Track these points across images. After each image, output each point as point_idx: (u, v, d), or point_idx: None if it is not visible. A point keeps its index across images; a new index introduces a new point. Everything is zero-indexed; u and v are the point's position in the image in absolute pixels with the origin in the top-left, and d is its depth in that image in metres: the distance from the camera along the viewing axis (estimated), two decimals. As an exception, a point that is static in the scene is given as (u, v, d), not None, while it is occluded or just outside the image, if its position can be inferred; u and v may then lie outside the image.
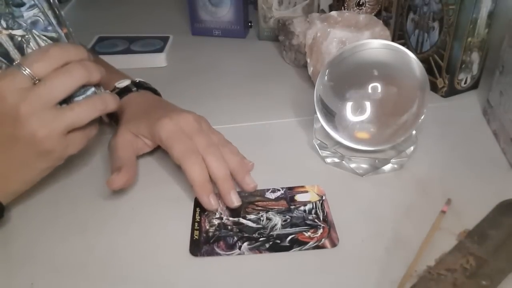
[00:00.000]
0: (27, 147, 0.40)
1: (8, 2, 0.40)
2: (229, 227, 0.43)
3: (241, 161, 0.47)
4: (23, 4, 0.40)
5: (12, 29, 0.41)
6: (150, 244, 0.41)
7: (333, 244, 0.40)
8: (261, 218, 0.43)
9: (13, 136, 0.39)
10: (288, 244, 0.41)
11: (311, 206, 0.44)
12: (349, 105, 0.48)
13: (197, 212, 0.44)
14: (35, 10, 0.41)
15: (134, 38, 0.78)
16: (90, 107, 0.42)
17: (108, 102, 0.44)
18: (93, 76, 0.42)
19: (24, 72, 0.39)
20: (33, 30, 0.41)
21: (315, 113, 0.51)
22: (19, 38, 0.41)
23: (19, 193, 0.44)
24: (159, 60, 0.74)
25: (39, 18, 0.41)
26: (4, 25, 0.40)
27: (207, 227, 0.43)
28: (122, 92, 0.53)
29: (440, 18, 0.58)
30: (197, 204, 0.45)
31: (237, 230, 0.42)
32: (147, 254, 0.40)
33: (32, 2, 0.41)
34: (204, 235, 0.42)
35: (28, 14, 0.41)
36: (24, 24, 0.41)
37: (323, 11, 0.77)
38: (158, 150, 0.53)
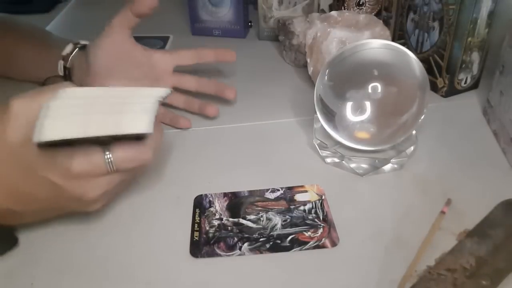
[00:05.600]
0: (71, 201, 0.38)
1: None
2: (229, 227, 0.43)
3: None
4: None
5: None
6: (150, 245, 0.41)
7: (334, 244, 0.40)
8: (261, 219, 0.43)
9: (64, 197, 0.37)
10: (288, 244, 0.41)
11: (311, 206, 0.44)
12: (349, 105, 0.48)
13: (197, 213, 0.44)
14: None
15: (134, 38, 0.78)
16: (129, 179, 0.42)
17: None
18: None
19: (106, 157, 0.36)
20: None
21: (315, 113, 0.51)
22: None
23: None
24: (159, 60, 0.74)
25: None
26: None
27: (207, 228, 0.43)
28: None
29: (440, 18, 0.58)
30: (197, 205, 0.45)
31: (237, 231, 0.42)
32: (147, 255, 0.40)
33: None
34: (204, 236, 0.42)
35: None
36: None
37: (323, 11, 0.77)
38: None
